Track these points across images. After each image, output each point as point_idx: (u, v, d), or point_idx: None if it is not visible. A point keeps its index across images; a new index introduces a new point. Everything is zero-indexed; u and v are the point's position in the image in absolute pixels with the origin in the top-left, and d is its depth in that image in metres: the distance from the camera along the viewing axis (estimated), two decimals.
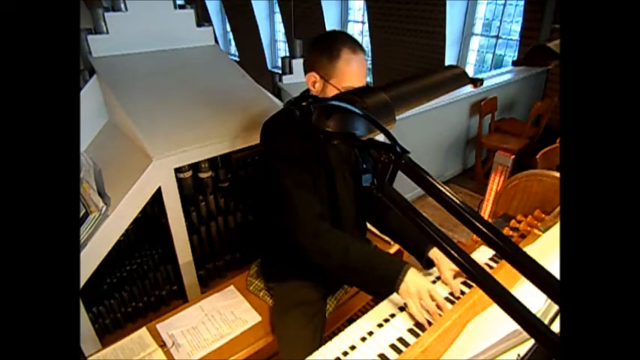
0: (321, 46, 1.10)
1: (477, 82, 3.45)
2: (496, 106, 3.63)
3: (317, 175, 1.17)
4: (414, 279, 1.03)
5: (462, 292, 1.08)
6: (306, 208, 1.12)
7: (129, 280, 1.59)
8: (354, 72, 1.08)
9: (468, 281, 1.10)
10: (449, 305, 1.03)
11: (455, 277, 1.11)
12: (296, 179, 1.12)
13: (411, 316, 1.01)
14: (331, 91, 1.09)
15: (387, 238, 1.68)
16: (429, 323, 0.99)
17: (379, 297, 1.34)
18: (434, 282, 1.13)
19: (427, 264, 1.18)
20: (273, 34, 8.79)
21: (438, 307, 1.01)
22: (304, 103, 0.65)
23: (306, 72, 1.15)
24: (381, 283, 1.08)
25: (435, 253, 1.16)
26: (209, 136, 1.49)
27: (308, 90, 1.19)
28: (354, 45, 1.09)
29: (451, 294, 1.09)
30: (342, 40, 1.09)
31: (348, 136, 0.57)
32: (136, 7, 1.60)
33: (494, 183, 2.61)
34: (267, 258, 1.40)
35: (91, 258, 1.32)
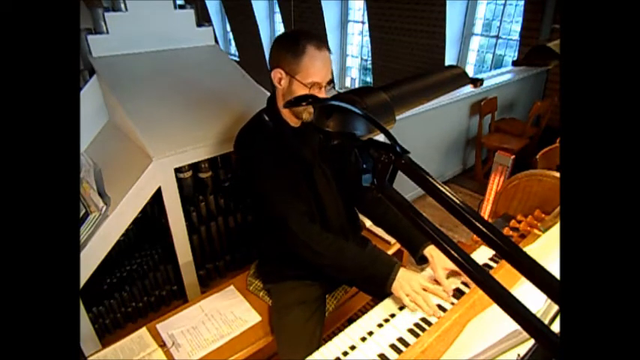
0: (286, 43, 1.11)
1: (476, 82, 3.45)
2: (496, 106, 3.63)
3: (295, 177, 1.18)
4: (404, 275, 1.07)
5: (459, 292, 1.08)
6: (289, 209, 1.14)
7: (129, 280, 1.59)
8: (318, 68, 1.09)
9: (460, 287, 1.10)
10: (441, 291, 1.07)
11: (448, 276, 1.12)
12: (274, 183, 1.14)
13: (412, 313, 1.03)
14: (297, 87, 1.11)
15: (387, 238, 1.68)
16: (428, 322, 1.00)
17: (374, 295, 1.35)
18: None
19: (420, 260, 1.20)
20: (273, 34, 8.78)
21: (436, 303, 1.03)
22: (303, 103, 0.65)
23: (271, 69, 1.15)
24: (373, 282, 1.12)
25: (429, 251, 1.17)
26: (209, 136, 1.49)
27: (274, 89, 1.20)
28: (318, 42, 1.11)
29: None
30: (306, 37, 1.10)
31: (348, 136, 0.57)
32: (136, 7, 1.60)
33: (494, 183, 2.61)
34: (263, 259, 1.41)
35: (91, 258, 1.32)
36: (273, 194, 1.15)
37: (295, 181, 1.18)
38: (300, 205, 1.16)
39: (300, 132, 1.21)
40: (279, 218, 1.15)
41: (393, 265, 1.10)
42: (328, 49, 1.13)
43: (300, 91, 1.10)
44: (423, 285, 1.06)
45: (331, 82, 1.16)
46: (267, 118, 1.20)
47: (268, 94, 1.82)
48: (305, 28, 1.22)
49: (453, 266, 1.10)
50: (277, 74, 1.13)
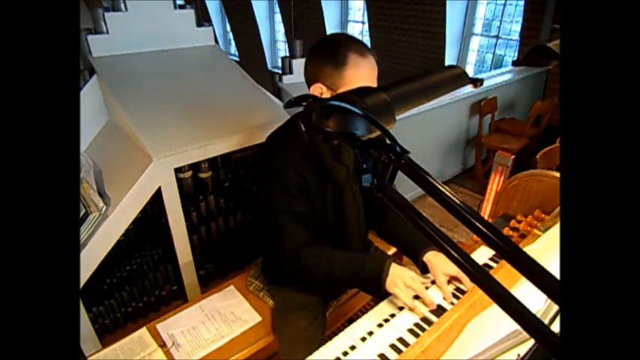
0: (324, 53, 1.00)
1: (477, 82, 3.45)
2: (496, 106, 3.63)
3: (322, 197, 1.13)
4: (396, 272, 1.06)
5: (459, 292, 1.08)
6: (291, 238, 1.10)
7: (129, 280, 1.59)
8: (364, 77, 0.99)
9: (460, 286, 1.11)
10: (435, 295, 1.07)
11: (449, 282, 1.11)
12: (286, 205, 1.09)
13: (412, 313, 1.03)
14: None
15: None
16: (436, 311, 1.01)
17: (375, 295, 1.35)
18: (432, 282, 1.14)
19: (423, 268, 1.18)
20: (273, 34, 8.78)
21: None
22: (303, 103, 0.64)
23: (309, 84, 1.05)
24: (368, 284, 1.11)
25: (429, 257, 1.15)
26: (209, 136, 1.49)
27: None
28: (362, 47, 1.00)
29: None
30: (347, 43, 0.99)
31: (347, 136, 0.57)
32: (136, 7, 1.60)
33: (494, 183, 2.61)
34: (268, 261, 1.40)
35: (91, 258, 1.32)
36: (282, 220, 1.09)
37: (320, 203, 1.12)
38: (302, 234, 1.11)
39: (337, 149, 1.13)
40: (278, 245, 1.12)
41: (383, 264, 1.07)
42: (372, 53, 1.01)
43: None
44: (414, 278, 1.05)
45: None
46: (303, 128, 1.13)
47: (268, 94, 1.83)
48: (343, 33, 1.08)
49: (452, 272, 1.10)
50: (317, 89, 1.01)
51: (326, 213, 1.15)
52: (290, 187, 1.07)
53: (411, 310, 1.02)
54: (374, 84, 1.02)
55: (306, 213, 1.11)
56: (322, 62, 1.00)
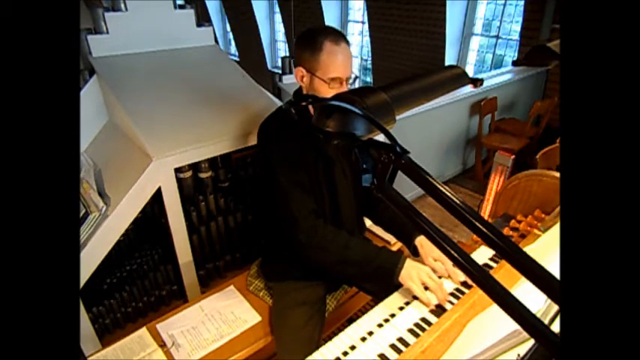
0: (304, 41, 1.12)
1: (476, 82, 3.44)
2: (496, 106, 3.63)
3: (315, 171, 1.18)
4: (412, 264, 1.08)
5: (459, 292, 1.08)
6: (301, 206, 1.14)
7: (129, 280, 1.59)
8: (337, 63, 1.10)
9: (460, 287, 1.11)
10: (447, 285, 1.08)
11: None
12: (291, 178, 1.14)
13: (415, 309, 1.03)
14: (318, 84, 1.12)
15: (386, 238, 1.68)
16: (436, 311, 1.02)
17: (377, 295, 1.35)
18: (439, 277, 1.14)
19: (415, 252, 1.22)
20: (273, 34, 8.78)
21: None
22: (303, 103, 0.65)
23: (295, 68, 1.17)
24: (380, 273, 1.11)
25: (419, 241, 1.19)
26: (209, 136, 1.49)
27: (300, 87, 1.22)
28: (336, 36, 1.11)
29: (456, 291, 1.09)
30: (323, 33, 1.11)
31: (347, 136, 0.57)
32: (136, 7, 1.60)
33: (494, 183, 2.61)
34: (268, 257, 1.40)
35: (91, 258, 1.32)
36: (290, 191, 1.14)
37: (314, 177, 1.18)
38: (311, 203, 1.16)
39: None
40: (290, 216, 1.14)
41: (399, 256, 1.11)
42: (347, 42, 1.13)
43: (321, 87, 1.11)
44: (431, 275, 1.07)
45: (355, 77, 1.16)
46: (293, 111, 1.19)
47: (269, 94, 1.83)
48: (323, 25, 1.22)
49: (440, 256, 1.12)
50: (299, 73, 1.15)
51: (320, 188, 1.20)
52: (292, 160, 1.14)
53: (426, 304, 1.03)
54: (348, 69, 1.12)
55: (308, 185, 1.17)
56: (302, 49, 1.12)
